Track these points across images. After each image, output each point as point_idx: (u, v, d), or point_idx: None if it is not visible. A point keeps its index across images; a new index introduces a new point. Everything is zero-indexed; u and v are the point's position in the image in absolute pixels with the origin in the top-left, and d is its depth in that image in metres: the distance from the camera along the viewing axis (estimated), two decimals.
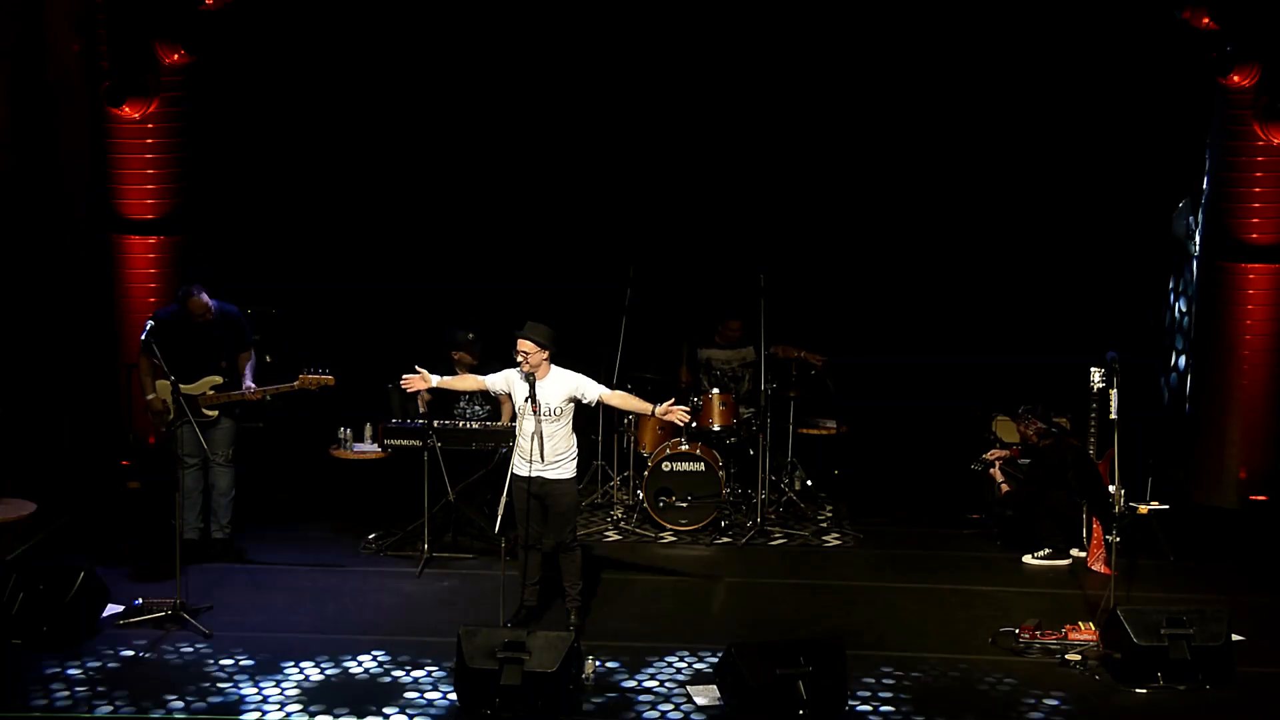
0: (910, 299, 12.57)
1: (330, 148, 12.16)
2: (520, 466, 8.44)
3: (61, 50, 10.57)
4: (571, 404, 8.49)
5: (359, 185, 12.42)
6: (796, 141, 12.27)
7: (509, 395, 8.73)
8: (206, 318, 9.56)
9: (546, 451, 8.36)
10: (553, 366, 8.45)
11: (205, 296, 9.53)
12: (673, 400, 8.67)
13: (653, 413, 8.56)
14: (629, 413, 9.07)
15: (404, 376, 8.59)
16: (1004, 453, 10.42)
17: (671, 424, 10.75)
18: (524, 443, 8.38)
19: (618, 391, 8.90)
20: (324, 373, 9.53)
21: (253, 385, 9.61)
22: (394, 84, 12.25)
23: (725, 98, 12.25)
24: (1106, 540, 9.23)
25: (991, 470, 10.30)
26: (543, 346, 8.36)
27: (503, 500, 8.31)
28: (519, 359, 8.39)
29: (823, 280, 12.23)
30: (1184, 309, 12.15)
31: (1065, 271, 12.31)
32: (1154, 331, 12.61)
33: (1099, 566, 9.60)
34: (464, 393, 9.95)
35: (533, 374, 8.36)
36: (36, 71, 10.43)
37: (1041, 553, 9.89)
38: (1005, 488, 10.16)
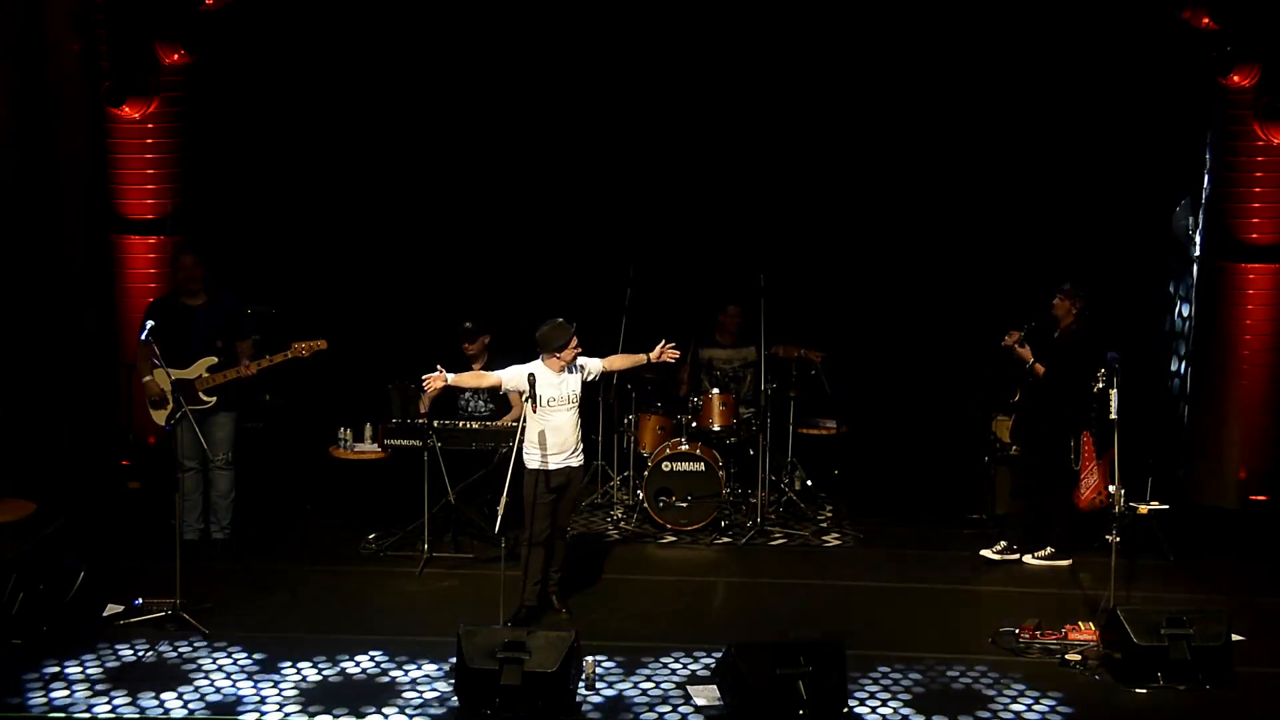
0: (910, 300, 12.55)
1: (330, 148, 12.16)
2: (554, 460, 8.59)
3: (61, 50, 10.56)
4: (529, 382, 8.60)
5: (359, 185, 12.41)
6: (796, 142, 12.27)
7: (522, 392, 8.68)
8: (191, 274, 9.62)
9: (577, 439, 8.64)
10: None
11: (194, 258, 9.67)
12: (663, 342, 8.87)
13: (648, 360, 8.86)
14: (630, 369, 9.26)
15: (424, 376, 8.57)
16: (1019, 334, 9.80)
17: (672, 423, 10.91)
18: (556, 436, 8.55)
19: (612, 356, 9.03)
20: (315, 339, 9.55)
21: (247, 361, 9.62)
22: (395, 84, 12.25)
23: (725, 99, 12.24)
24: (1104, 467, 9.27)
25: (1021, 349, 9.71)
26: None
27: (503, 500, 8.31)
28: (567, 357, 8.54)
29: (822, 280, 12.23)
30: (1185, 314, 12.16)
31: (1064, 272, 12.29)
32: (1154, 332, 12.61)
33: (1089, 489, 9.58)
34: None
35: (572, 366, 8.61)
36: (36, 71, 10.42)
37: (1043, 552, 9.87)
38: (1039, 369, 9.64)
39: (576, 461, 8.70)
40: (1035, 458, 9.90)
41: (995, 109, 12.02)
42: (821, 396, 11.40)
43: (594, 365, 8.77)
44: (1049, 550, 9.87)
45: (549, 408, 8.56)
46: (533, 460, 8.61)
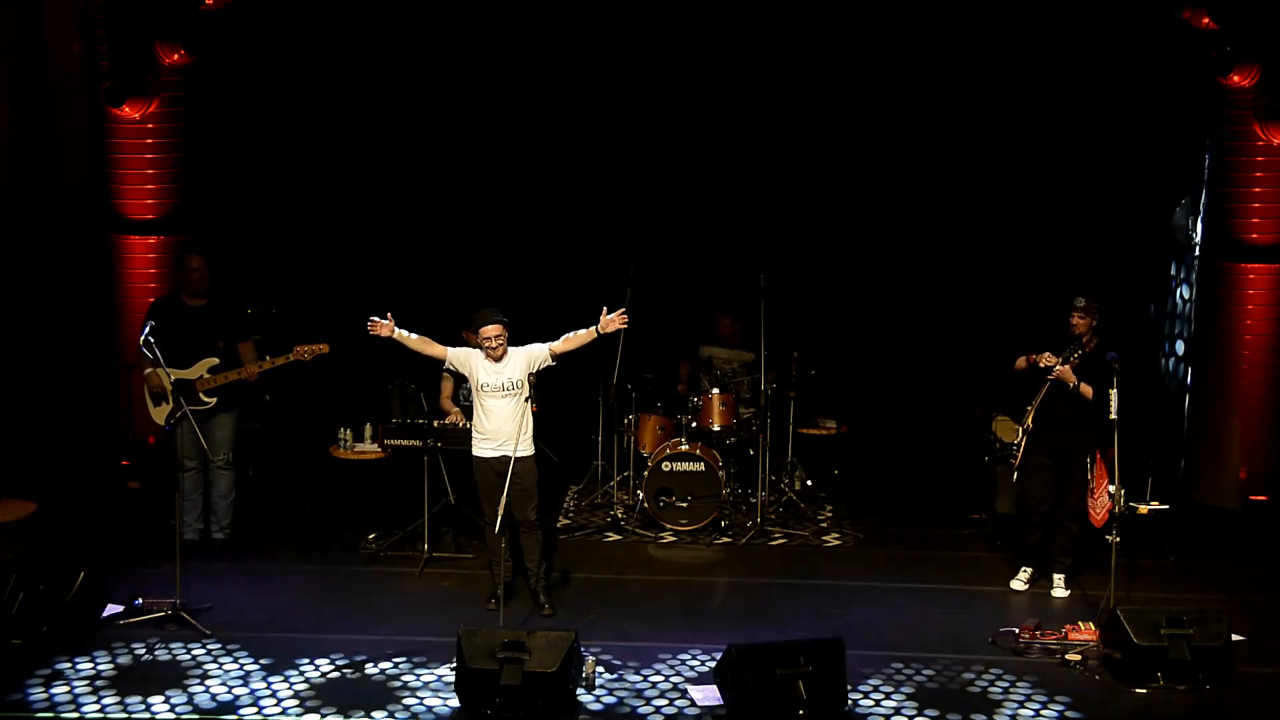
0: (910, 304, 12.56)
1: (335, 154, 12.21)
2: (488, 447, 8.70)
3: (61, 50, 10.57)
4: (532, 375, 8.62)
5: (362, 192, 12.46)
6: (800, 153, 12.43)
7: (460, 375, 8.88)
8: (202, 275, 9.62)
9: (521, 429, 8.57)
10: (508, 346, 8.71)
11: (202, 260, 9.66)
12: (605, 309, 8.64)
13: (598, 333, 8.66)
14: (581, 348, 9.03)
15: (371, 318, 8.61)
16: (1058, 360, 9.00)
17: (672, 423, 10.91)
18: (491, 424, 8.66)
19: (562, 337, 8.80)
20: (318, 341, 9.55)
21: (249, 363, 9.62)
22: (397, 92, 12.32)
23: (722, 113, 12.41)
24: (1110, 494, 9.12)
25: (1062, 369, 8.95)
26: (507, 326, 8.61)
27: (502, 500, 8.35)
28: (488, 347, 8.61)
29: (823, 286, 12.22)
30: (1186, 295, 12.16)
31: (1063, 275, 12.31)
32: (1154, 333, 12.63)
33: (1099, 513, 9.47)
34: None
35: (503, 357, 8.62)
36: (36, 71, 10.43)
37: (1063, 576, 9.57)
38: (1087, 390, 8.93)
39: (522, 452, 8.60)
40: (1076, 476, 9.32)
41: (994, 120, 12.09)
42: (814, 389, 11.39)
43: (539, 351, 8.70)
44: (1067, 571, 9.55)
45: (483, 392, 8.69)
46: (474, 446, 8.79)
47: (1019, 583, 9.48)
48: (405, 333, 8.68)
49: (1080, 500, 9.36)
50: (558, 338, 8.72)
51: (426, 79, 12.31)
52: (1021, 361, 9.27)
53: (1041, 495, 9.28)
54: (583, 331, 8.72)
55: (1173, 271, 12.50)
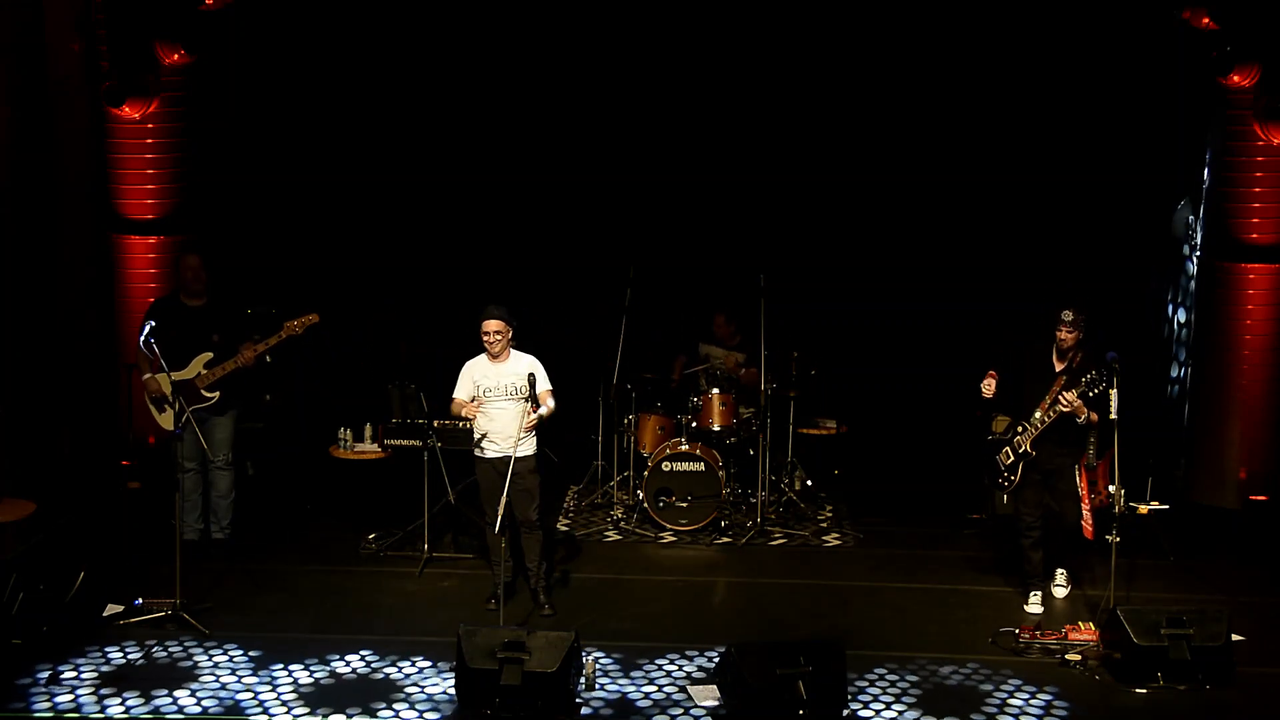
0: (910, 304, 12.57)
1: (335, 156, 12.23)
2: (491, 449, 8.78)
3: (61, 50, 10.57)
4: (529, 381, 8.65)
5: (362, 192, 12.47)
6: (800, 153, 12.44)
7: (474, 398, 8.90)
8: (197, 274, 9.61)
9: (521, 429, 8.58)
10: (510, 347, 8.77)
11: (199, 260, 9.65)
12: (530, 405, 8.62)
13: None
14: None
15: (465, 407, 8.75)
16: (1074, 393, 8.66)
17: (672, 423, 10.91)
18: (492, 426, 8.73)
19: (547, 403, 8.70)
20: (306, 314, 9.54)
21: (243, 350, 9.60)
22: (397, 92, 12.32)
23: (722, 112, 12.42)
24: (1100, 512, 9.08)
25: (1076, 402, 8.65)
26: (510, 324, 8.68)
27: (502, 500, 8.35)
28: (486, 341, 8.66)
29: (823, 286, 12.23)
30: (1182, 320, 12.15)
31: (1063, 275, 12.32)
32: (1153, 333, 12.63)
33: (1089, 525, 9.45)
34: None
35: (501, 354, 8.67)
36: (36, 71, 10.43)
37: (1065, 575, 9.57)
38: (1094, 417, 8.73)
39: (523, 452, 8.65)
40: (1065, 485, 9.21)
41: (994, 120, 12.10)
42: (814, 389, 11.38)
43: (543, 381, 8.72)
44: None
45: (485, 397, 8.75)
46: (477, 448, 8.86)
47: (1034, 606, 9.14)
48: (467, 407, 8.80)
49: (1073, 510, 9.22)
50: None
51: (427, 79, 12.32)
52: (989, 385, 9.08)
53: (1035, 510, 9.13)
54: (542, 405, 8.63)
55: (1168, 296, 12.47)
